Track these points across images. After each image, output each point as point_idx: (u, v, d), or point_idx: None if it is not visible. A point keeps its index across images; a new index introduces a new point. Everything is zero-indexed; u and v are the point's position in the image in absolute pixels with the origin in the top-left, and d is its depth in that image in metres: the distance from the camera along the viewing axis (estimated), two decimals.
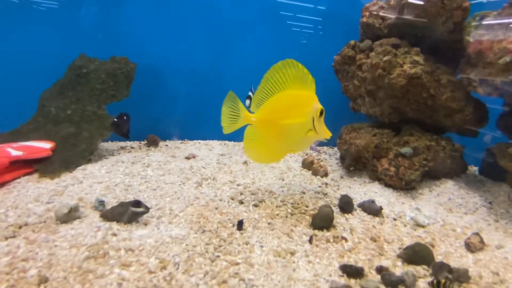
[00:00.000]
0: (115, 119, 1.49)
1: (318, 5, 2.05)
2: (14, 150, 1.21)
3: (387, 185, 1.49)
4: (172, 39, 1.90)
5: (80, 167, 1.37)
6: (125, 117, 1.53)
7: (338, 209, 1.20)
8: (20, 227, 0.91)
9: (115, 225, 0.94)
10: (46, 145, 1.33)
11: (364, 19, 1.84)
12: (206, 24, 1.95)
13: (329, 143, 2.27)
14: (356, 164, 1.73)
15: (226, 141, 2.21)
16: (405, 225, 1.14)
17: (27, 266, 0.72)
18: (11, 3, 1.57)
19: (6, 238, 0.85)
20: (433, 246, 1.00)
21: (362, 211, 1.21)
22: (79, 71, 1.56)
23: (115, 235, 0.88)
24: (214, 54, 2.03)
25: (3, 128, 1.47)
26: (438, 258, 0.94)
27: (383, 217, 1.18)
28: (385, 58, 1.58)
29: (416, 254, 0.91)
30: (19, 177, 1.23)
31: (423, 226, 1.13)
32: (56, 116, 1.50)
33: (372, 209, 1.19)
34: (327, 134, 1.12)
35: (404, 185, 1.44)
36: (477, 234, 1.03)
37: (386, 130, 1.65)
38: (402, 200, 1.37)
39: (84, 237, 0.86)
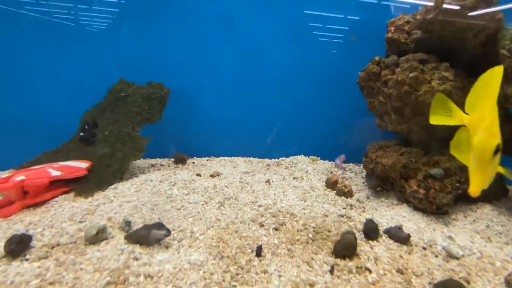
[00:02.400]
0: (82, 133, 1.48)
1: (343, 21, 2.01)
2: (54, 170, 1.28)
3: (416, 209, 1.38)
4: (199, 59, 1.95)
5: (112, 186, 1.42)
6: (86, 126, 1.50)
7: (363, 235, 1.12)
8: (53, 248, 0.94)
9: (137, 248, 0.94)
10: (83, 164, 1.40)
11: (389, 34, 1.76)
12: (231, 42, 1.97)
13: (356, 159, 2.17)
14: (383, 184, 1.63)
15: (251, 158, 2.19)
16: (436, 256, 1.03)
17: None
18: (62, 25, 1.69)
19: (39, 259, 0.88)
20: (468, 282, 0.89)
21: (388, 238, 1.11)
22: (117, 95, 1.64)
23: (136, 259, 0.88)
24: (239, 71, 2.04)
25: (49, 146, 1.57)
26: None
27: (411, 245, 1.08)
28: (411, 75, 1.49)
29: None
30: (57, 196, 1.30)
31: (457, 258, 1.01)
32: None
33: (399, 237, 1.09)
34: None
35: (435, 209, 1.31)
36: None
37: (415, 148, 1.54)
38: (433, 226, 1.25)
39: (108, 260, 0.87)
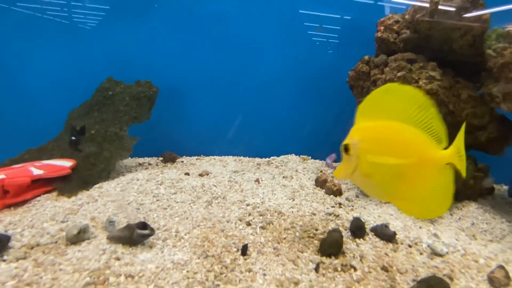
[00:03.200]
0: (73, 138, 1.44)
1: (334, 20, 2.01)
2: (36, 169, 1.25)
3: None
4: (189, 58, 1.93)
5: (97, 185, 1.39)
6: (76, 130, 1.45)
7: (350, 233, 1.12)
8: (32, 248, 0.92)
9: (120, 248, 0.92)
10: (67, 163, 1.37)
11: (379, 34, 1.77)
12: (222, 41, 1.96)
13: None
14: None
15: (241, 157, 2.18)
16: (421, 253, 1.04)
17: None
18: (50, 21, 1.66)
19: (17, 260, 0.86)
20: (451, 279, 0.90)
21: (375, 236, 1.12)
22: (105, 93, 1.62)
23: (118, 259, 0.87)
24: (229, 70, 2.03)
25: (33, 143, 1.53)
26: None
27: (397, 243, 1.09)
28: (399, 74, 1.51)
29: None
30: (39, 195, 1.27)
31: (441, 255, 1.02)
32: (80, 135, 1.55)
33: (385, 235, 1.09)
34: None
35: None
36: (502, 267, 0.90)
37: None
38: (420, 224, 1.26)
39: (89, 260, 0.85)
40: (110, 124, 1.59)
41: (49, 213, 1.14)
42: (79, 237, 0.95)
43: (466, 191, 1.42)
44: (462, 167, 0.83)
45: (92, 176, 1.40)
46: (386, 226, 1.12)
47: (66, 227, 1.04)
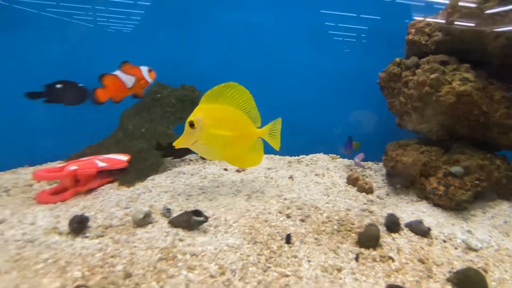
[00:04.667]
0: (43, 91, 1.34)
1: (362, 22, 2.05)
2: (101, 162, 1.40)
3: (436, 205, 1.41)
4: (226, 63, 2.03)
5: (150, 177, 1.53)
6: (57, 85, 1.35)
7: (385, 228, 1.17)
8: (107, 228, 1.05)
9: (180, 231, 1.03)
10: (124, 157, 1.51)
11: (410, 36, 1.79)
12: (255, 45, 2.04)
13: (374, 158, 2.20)
14: (403, 181, 1.66)
15: (272, 155, 2.26)
16: (455, 248, 1.07)
17: (115, 262, 0.84)
18: (108, 33, 1.82)
19: (97, 237, 0.99)
20: (486, 272, 0.93)
21: (410, 231, 1.16)
22: (154, 96, 1.76)
23: (181, 240, 0.97)
24: (261, 73, 2.11)
25: (92, 140, 1.71)
26: (492, 284, 0.87)
27: (431, 238, 1.12)
28: (432, 76, 1.52)
29: (468, 279, 0.85)
30: (103, 185, 1.42)
31: (475, 250, 1.05)
32: (132, 133, 1.69)
33: (420, 230, 1.14)
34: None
35: (455, 206, 1.34)
36: None
37: (435, 147, 1.57)
38: (452, 221, 1.29)
39: (157, 240, 0.97)
40: (158, 123, 1.72)
41: (114, 200, 1.27)
42: (144, 220, 1.07)
43: (498, 190, 1.42)
44: (271, 141, 1.36)
45: (145, 169, 1.53)
46: (420, 222, 1.16)
47: (129, 212, 1.17)
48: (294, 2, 2.02)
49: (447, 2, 1.68)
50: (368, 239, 1.03)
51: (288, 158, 2.21)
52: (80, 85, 1.34)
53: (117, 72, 1.42)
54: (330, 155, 2.27)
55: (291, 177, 1.69)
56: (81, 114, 1.77)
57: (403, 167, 1.60)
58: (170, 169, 1.70)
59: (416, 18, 1.93)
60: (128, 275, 0.79)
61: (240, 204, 1.32)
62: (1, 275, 0.77)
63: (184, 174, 1.63)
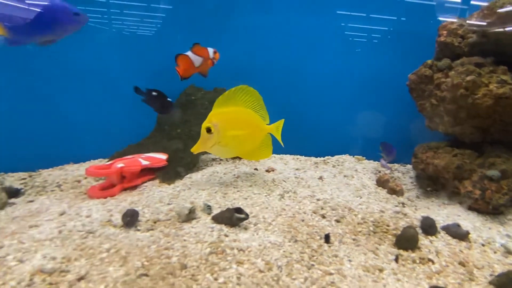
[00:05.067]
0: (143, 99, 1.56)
1: (389, 22, 2.04)
2: (143, 160, 1.47)
3: (470, 209, 1.39)
4: (254, 65, 2.06)
5: (187, 176, 1.59)
6: (154, 93, 1.58)
7: (421, 231, 1.17)
8: (155, 222, 1.11)
9: (224, 227, 1.08)
10: (163, 156, 1.58)
11: (442, 38, 1.76)
12: (282, 47, 2.07)
13: (400, 160, 2.18)
14: (434, 184, 1.64)
15: (298, 156, 2.28)
16: (495, 252, 1.06)
17: (170, 254, 0.89)
18: (143, 37, 1.90)
19: (148, 230, 1.05)
20: None
21: (447, 234, 1.15)
22: (188, 98, 1.82)
23: (226, 235, 1.02)
24: (288, 74, 2.13)
25: (133, 140, 1.80)
26: None
27: (470, 242, 1.11)
28: (468, 78, 1.49)
29: (511, 282, 0.85)
30: (145, 182, 1.49)
31: None
32: (169, 133, 1.77)
33: (458, 233, 1.13)
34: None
35: (492, 210, 1.32)
36: None
37: (468, 150, 1.54)
38: (489, 225, 1.27)
39: (204, 235, 1.02)
40: (193, 124, 1.78)
41: (157, 196, 1.34)
42: (189, 216, 1.13)
43: None
44: (277, 136, 1.54)
45: (183, 167, 1.60)
46: (458, 225, 1.15)
47: (173, 208, 1.23)
48: (322, 3, 2.03)
49: (481, 3, 1.65)
50: (406, 241, 1.04)
51: (313, 159, 2.23)
52: (168, 99, 1.57)
53: (188, 53, 1.63)
54: (355, 156, 2.26)
55: (320, 178, 1.71)
56: (121, 116, 1.86)
57: (434, 169, 1.59)
58: (204, 168, 1.75)
59: (443, 18, 1.92)
60: (183, 267, 0.84)
61: (274, 203, 1.36)
62: (72, 262, 0.83)
63: (217, 173, 1.68)
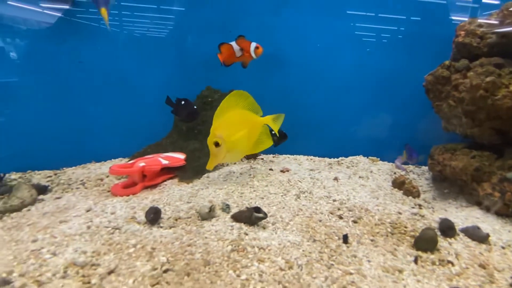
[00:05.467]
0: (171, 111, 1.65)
1: (404, 23, 2.02)
2: (163, 159, 1.51)
3: (490, 211, 1.36)
4: (269, 67, 2.08)
5: (205, 175, 1.62)
6: (182, 102, 1.66)
7: (439, 233, 1.16)
8: (176, 219, 1.14)
9: (243, 226, 1.10)
10: (181, 156, 1.61)
11: (460, 39, 1.72)
12: (299, 50, 2.07)
13: (415, 161, 2.15)
14: (451, 186, 1.62)
15: (312, 157, 2.28)
16: None
17: (193, 250, 0.92)
18: (158, 39, 1.94)
19: (170, 227, 1.08)
20: None
21: (466, 237, 1.14)
22: (205, 100, 1.85)
23: (246, 234, 1.04)
24: (304, 74, 2.13)
25: (151, 140, 1.85)
26: None
27: (489, 244, 1.10)
28: (487, 79, 1.46)
29: None
30: (165, 181, 1.53)
31: None
32: (186, 134, 1.80)
33: (477, 236, 1.11)
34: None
35: (511, 212, 1.29)
36: None
37: (486, 152, 1.51)
38: (508, 228, 1.24)
39: (224, 233, 1.04)
40: (209, 125, 1.80)
41: (177, 194, 1.37)
42: (209, 214, 1.15)
43: None
44: (272, 125, 1.58)
45: (200, 167, 1.63)
46: (478, 228, 1.13)
47: (193, 206, 1.26)
48: (338, 3, 2.02)
49: (495, 2, 1.62)
50: (425, 242, 1.03)
51: (327, 159, 2.22)
52: (194, 107, 1.65)
53: (232, 43, 1.76)
54: (369, 157, 2.25)
55: (336, 179, 1.71)
56: (140, 117, 1.91)
57: (452, 171, 1.56)
58: (221, 168, 1.78)
59: (457, 18, 1.89)
60: (207, 263, 0.86)
61: (291, 203, 1.37)
62: (102, 256, 0.87)
63: (234, 173, 1.71)
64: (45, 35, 1.75)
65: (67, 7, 1.73)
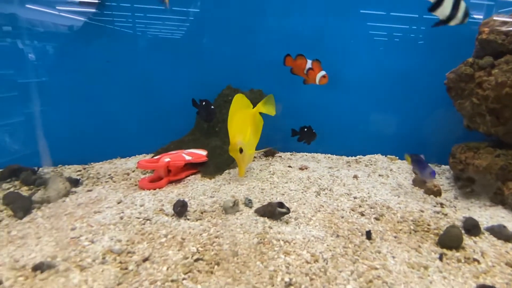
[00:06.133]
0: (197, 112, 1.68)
1: (422, 21, 1.98)
2: (186, 155, 1.55)
3: None
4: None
5: (226, 171, 1.65)
6: (203, 103, 1.67)
7: (463, 231, 1.14)
8: (202, 213, 1.17)
9: (267, 220, 1.12)
10: (203, 152, 1.65)
11: (484, 36, 1.67)
12: (317, 50, 2.06)
13: (435, 160, 2.11)
14: (474, 185, 1.58)
15: (330, 155, 2.27)
16: None
17: (221, 242, 0.95)
18: (179, 41, 1.99)
19: (197, 220, 1.11)
20: None
21: (491, 235, 1.12)
22: (226, 98, 1.88)
23: (270, 228, 1.06)
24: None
25: (174, 137, 1.90)
26: None
27: None
28: None
29: None
30: (188, 176, 1.56)
31: None
32: (208, 131, 1.84)
33: (504, 234, 1.09)
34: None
35: None
36: None
37: (511, 151, 1.47)
38: None
39: (249, 226, 1.06)
40: None
41: (201, 189, 1.40)
42: (233, 208, 1.18)
43: None
44: (265, 110, 1.63)
45: (221, 163, 1.66)
46: (504, 227, 1.11)
47: (216, 201, 1.29)
48: (357, 2, 2.01)
49: None
50: (450, 240, 1.02)
51: (345, 158, 2.21)
52: (212, 107, 1.67)
53: (309, 60, 1.83)
54: (388, 156, 2.22)
55: (355, 177, 1.70)
56: (163, 114, 1.96)
57: (475, 170, 1.52)
58: None
59: (475, 16, 1.84)
60: (235, 254, 0.88)
61: (311, 199, 1.37)
62: (136, 245, 0.91)
63: (254, 169, 1.73)
64: (75, 38, 1.83)
65: (94, 10, 1.80)
